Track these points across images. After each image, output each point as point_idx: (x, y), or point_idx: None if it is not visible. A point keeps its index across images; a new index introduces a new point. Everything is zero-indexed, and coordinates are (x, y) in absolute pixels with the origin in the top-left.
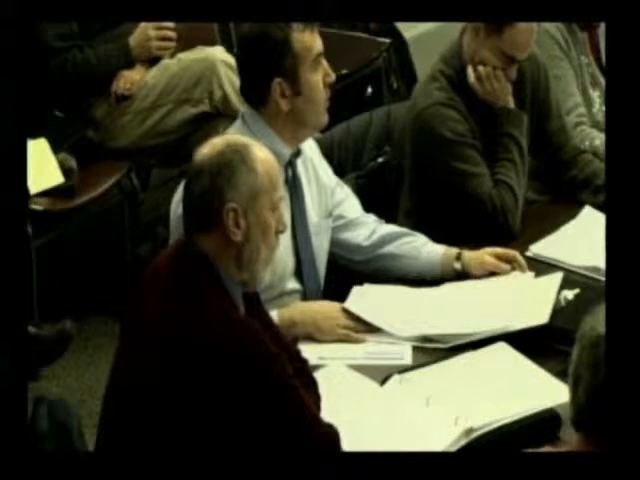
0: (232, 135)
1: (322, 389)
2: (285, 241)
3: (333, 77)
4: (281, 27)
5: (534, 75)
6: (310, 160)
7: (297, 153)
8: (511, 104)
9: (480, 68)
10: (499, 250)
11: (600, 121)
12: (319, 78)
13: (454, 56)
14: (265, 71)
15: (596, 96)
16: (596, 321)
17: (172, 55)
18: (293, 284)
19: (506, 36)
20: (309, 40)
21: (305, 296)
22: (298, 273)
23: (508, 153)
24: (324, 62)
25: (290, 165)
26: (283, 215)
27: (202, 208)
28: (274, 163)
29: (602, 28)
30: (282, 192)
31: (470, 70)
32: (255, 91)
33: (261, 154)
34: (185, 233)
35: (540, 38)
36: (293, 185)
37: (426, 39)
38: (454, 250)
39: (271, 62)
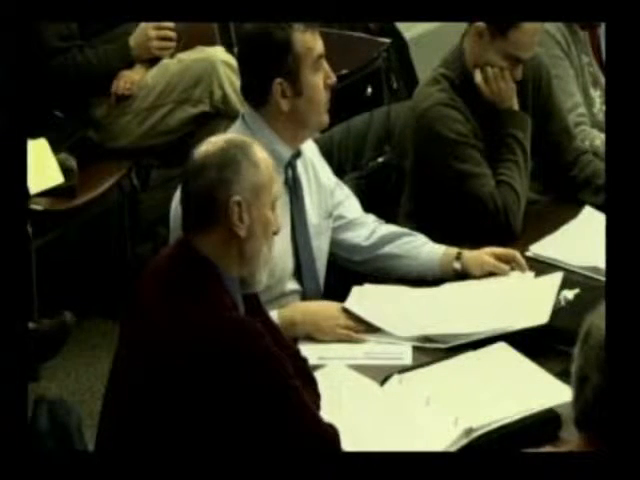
0: (231, 134)
1: (322, 389)
2: (285, 242)
3: (334, 79)
4: (283, 27)
5: (536, 74)
6: (310, 161)
7: (297, 154)
8: (516, 105)
9: (487, 69)
10: (499, 250)
11: (601, 121)
12: (320, 79)
13: (456, 59)
14: (266, 71)
15: (597, 96)
16: (603, 321)
17: (172, 55)
18: (293, 285)
19: (511, 37)
20: (310, 41)
21: (305, 297)
22: (297, 274)
23: (512, 154)
24: (325, 64)
25: (290, 166)
26: (278, 216)
27: (207, 201)
28: (271, 163)
29: (603, 27)
30: (279, 193)
31: (477, 71)
32: (256, 91)
33: (262, 152)
34: (184, 233)
35: (540, 38)
36: (293, 186)
37: (426, 39)
38: (454, 250)
39: (272, 62)
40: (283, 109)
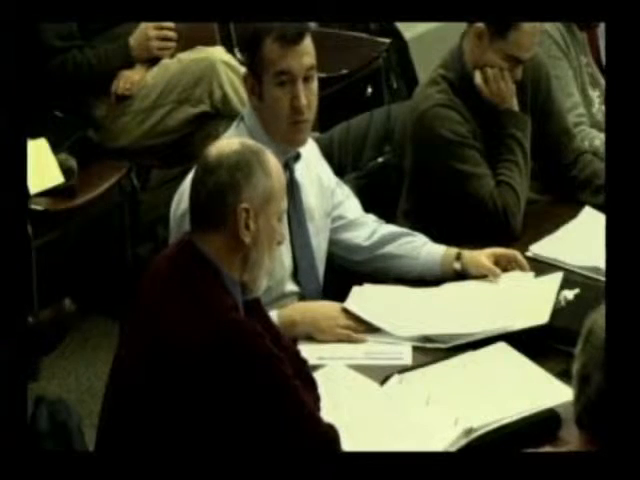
0: (244, 139)
1: (322, 389)
2: (284, 244)
3: (303, 101)
4: (267, 28)
5: (535, 75)
6: (310, 161)
7: (297, 157)
8: (515, 106)
9: (487, 69)
10: (499, 250)
11: (600, 121)
12: (283, 95)
13: (455, 60)
14: (244, 58)
15: (595, 96)
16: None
17: (172, 55)
18: (292, 286)
19: (511, 38)
20: (275, 53)
21: (305, 298)
22: (296, 276)
23: (511, 155)
24: (298, 85)
25: (287, 168)
26: (283, 227)
27: (215, 203)
28: (283, 173)
29: (602, 28)
30: (286, 204)
31: (477, 72)
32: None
33: (275, 161)
34: (192, 229)
35: (539, 38)
36: (291, 188)
37: (426, 39)
38: (454, 250)
39: (246, 50)
40: (253, 102)
